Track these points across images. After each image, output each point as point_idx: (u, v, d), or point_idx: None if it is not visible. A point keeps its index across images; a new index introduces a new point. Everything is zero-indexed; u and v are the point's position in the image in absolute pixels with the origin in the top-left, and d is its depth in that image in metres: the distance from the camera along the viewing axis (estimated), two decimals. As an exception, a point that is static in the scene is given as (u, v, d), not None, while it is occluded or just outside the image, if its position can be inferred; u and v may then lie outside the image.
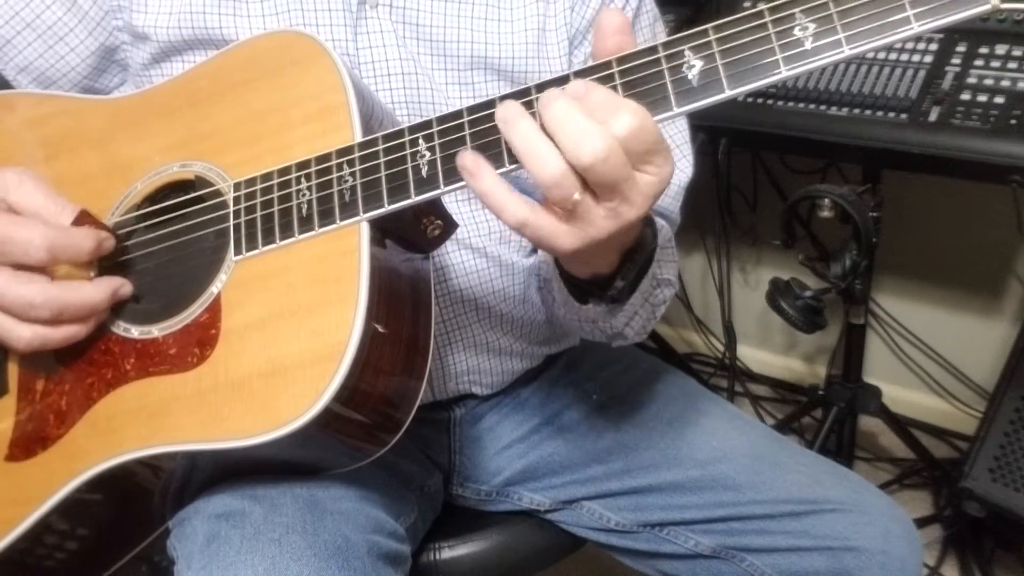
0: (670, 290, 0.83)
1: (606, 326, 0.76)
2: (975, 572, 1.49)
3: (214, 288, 0.64)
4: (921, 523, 1.57)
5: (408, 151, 0.59)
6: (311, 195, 0.62)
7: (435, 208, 0.64)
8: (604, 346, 0.86)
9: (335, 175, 0.61)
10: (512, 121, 0.53)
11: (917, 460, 1.69)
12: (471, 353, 0.85)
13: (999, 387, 1.39)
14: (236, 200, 0.65)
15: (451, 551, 0.89)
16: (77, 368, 0.68)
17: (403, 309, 0.64)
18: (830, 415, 1.57)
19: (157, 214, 0.70)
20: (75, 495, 0.65)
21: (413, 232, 0.65)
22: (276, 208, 0.63)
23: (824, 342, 1.94)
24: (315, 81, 0.64)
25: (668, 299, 0.83)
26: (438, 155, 0.58)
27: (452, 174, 0.57)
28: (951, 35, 1.24)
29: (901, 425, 1.66)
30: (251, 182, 0.65)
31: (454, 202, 0.81)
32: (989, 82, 1.18)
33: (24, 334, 0.62)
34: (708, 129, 1.39)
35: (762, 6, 0.51)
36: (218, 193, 0.67)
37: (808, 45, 0.50)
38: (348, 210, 0.60)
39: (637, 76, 0.53)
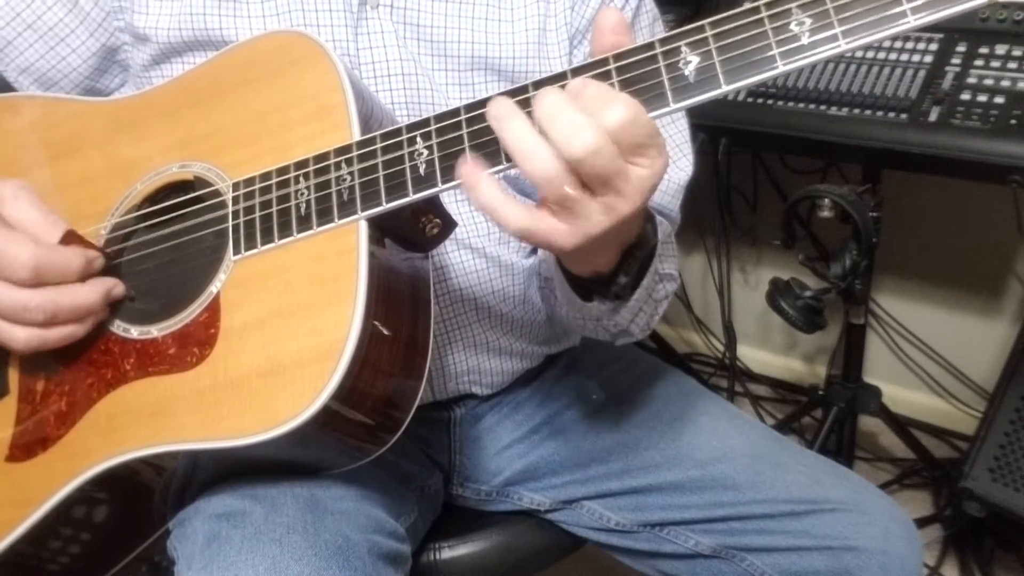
0: (672, 284, 0.83)
1: (610, 324, 0.76)
2: (975, 572, 1.48)
3: (213, 288, 0.65)
4: (921, 523, 1.57)
5: (406, 150, 0.59)
6: (309, 194, 0.62)
7: (434, 207, 0.64)
8: (604, 346, 0.86)
9: (333, 174, 0.61)
10: (504, 118, 0.53)
11: (917, 460, 1.69)
12: (471, 353, 0.85)
13: (999, 387, 1.39)
14: (235, 200, 0.65)
15: (451, 551, 0.89)
16: (77, 369, 0.68)
17: (402, 308, 0.64)
18: (830, 415, 1.57)
19: (157, 214, 0.70)
20: (76, 495, 0.65)
21: (412, 231, 0.65)
22: (275, 208, 0.63)
23: (824, 342, 1.94)
24: (314, 81, 0.65)
25: (670, 294, 0.83)
26: (436, 154, 0.58)
27: (450, 172, 0.57)
28: (951, 35, 1.24)
29: (901, 425, 1.66)
30: (250, 182, 0.65)
31: (453, 202, 0.81)
32: (989, 82, 1.18)
33: (20, 335, 0.63)
34: (708, 129, 1.39)
35: (759, 2, 0.51)
36: (217, 193, 0.67)
37: (805, 40, 0.50)
38: (346, 209, 0.60)
39: (634, 73, 0.53)
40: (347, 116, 0.62)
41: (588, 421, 0.90)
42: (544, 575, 0.95)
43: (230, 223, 0.65)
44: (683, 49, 0.52)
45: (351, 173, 0.61)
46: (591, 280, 0.67)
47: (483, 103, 0.56)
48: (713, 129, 1.39)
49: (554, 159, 0.50)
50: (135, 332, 0.67)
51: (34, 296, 0.62)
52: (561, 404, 0.92)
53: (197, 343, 0.64)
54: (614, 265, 0.64)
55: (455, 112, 0.58)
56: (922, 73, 1.23)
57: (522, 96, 0.55)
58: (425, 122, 0.59)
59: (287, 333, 0.60)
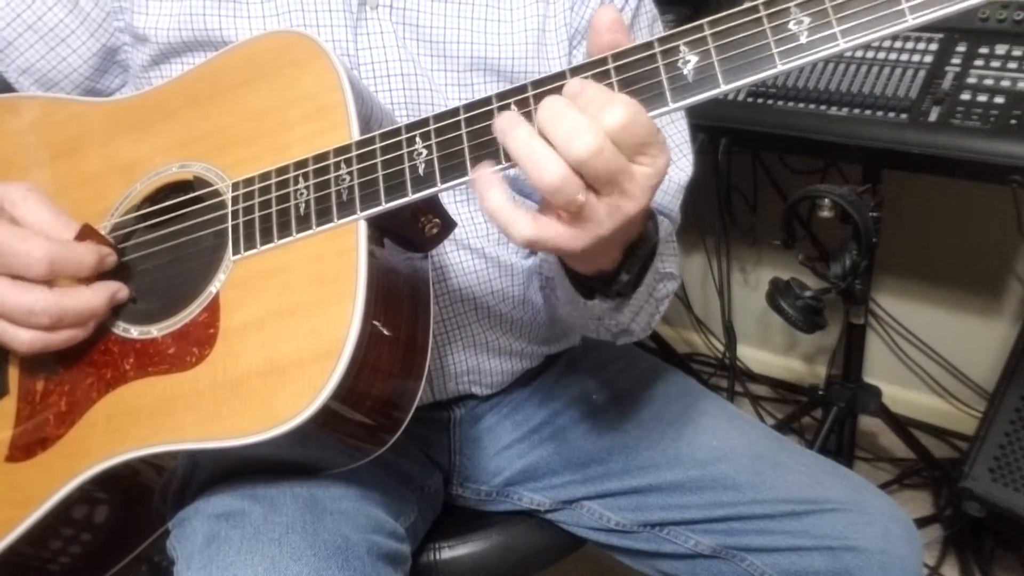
0: (673, 283, 0.83)
1: (612, 323, 0.76)
2: (975, 572, 1.48)
3: (213, 288, 0.65)
4: (921, 523, 1.57)
5: (405, 150, 0.59)
6: (309, 194, 0.62)
7: (433, 207, 0.64)
8: (604, 346, 0.86)
9: (332, 174, 0.61)
10: (508, 130, 0.53)
11: (917, 460, 1.69)
12: (471, 353, 0.85)
13: (999, 387, 1.39)
14: (234, 200, 0.65)
15: (451, 551, 0.89)
16: (77, 369, 0.68)
17: (402, 308, 0.64)
18: (830, 415, 1.57)
19: (156, 214, 0.70)
20: (76, 495, 0.65)
21: (411, 231, 0.65)
22: (274, 208, 0.63)
23: (824, 342, 1.94)
24: (313, 81, 0.65)
25: (671, 293, 0.83)
26: (435, 154, 0.58)
27: (449, 172, 0.57)
28: (951, 35, 1.24)
29: (901, 425, 1.65)
30: (249, 182, 0.65)
31: (452, 203, 0.81)
32: (989, 82, 1.18)
33: (24, 338, 0.63)
34: (708, 129, 1.39)
35: (757, 1, 0.51)
36: (216, 193, 0.67)
37: (803, 39, 0.50)
38: (346, 209, 0.60)
39: (633, 72, 0.53)
40: (346, 116, 0.62)
41: (588, 421, 0.90)
42: (544, 575, 0.95)
43: (229, 223, 0.65)
44: (682, 48, 0.52)
45: (350, 173, 0.61)
46: (593, 278, 0.67)
47: (482, 103, 0.57)
48: (713, 129, 1.39)
49: (562, 166, 0.50)
50: (135, 332, 0.67)
51: (40, 300, 0.62)
52: (561, 404, 0.92)
53: (196, 343, 0.64)
54: (616, 263, 0.64)
55: (454, 112, 0.58)
56: (922, 73, 1.23)
57: (520, 96, 0.55)
58: (424, 122, 0.59)
59: (286, 333, 0.60)
